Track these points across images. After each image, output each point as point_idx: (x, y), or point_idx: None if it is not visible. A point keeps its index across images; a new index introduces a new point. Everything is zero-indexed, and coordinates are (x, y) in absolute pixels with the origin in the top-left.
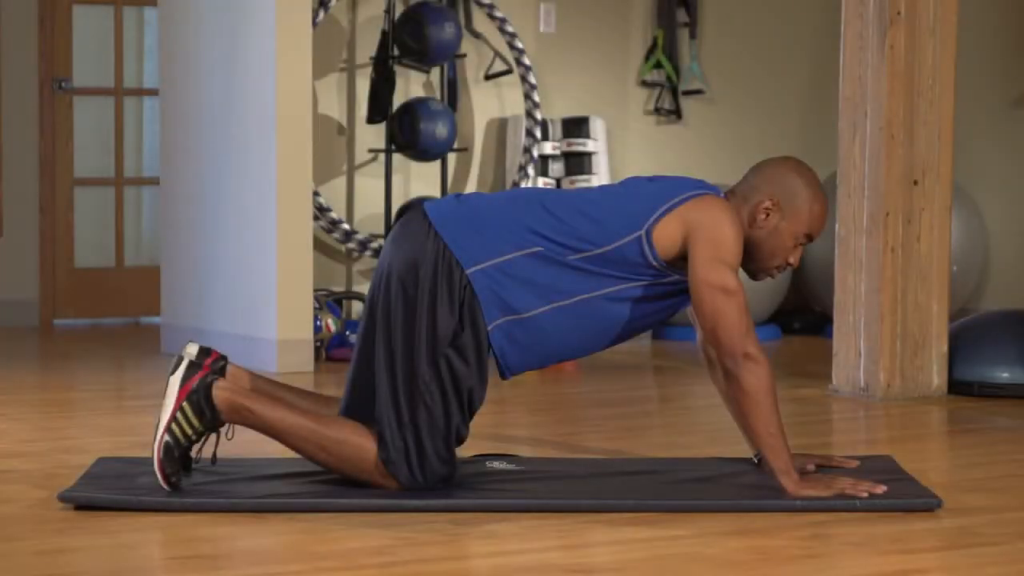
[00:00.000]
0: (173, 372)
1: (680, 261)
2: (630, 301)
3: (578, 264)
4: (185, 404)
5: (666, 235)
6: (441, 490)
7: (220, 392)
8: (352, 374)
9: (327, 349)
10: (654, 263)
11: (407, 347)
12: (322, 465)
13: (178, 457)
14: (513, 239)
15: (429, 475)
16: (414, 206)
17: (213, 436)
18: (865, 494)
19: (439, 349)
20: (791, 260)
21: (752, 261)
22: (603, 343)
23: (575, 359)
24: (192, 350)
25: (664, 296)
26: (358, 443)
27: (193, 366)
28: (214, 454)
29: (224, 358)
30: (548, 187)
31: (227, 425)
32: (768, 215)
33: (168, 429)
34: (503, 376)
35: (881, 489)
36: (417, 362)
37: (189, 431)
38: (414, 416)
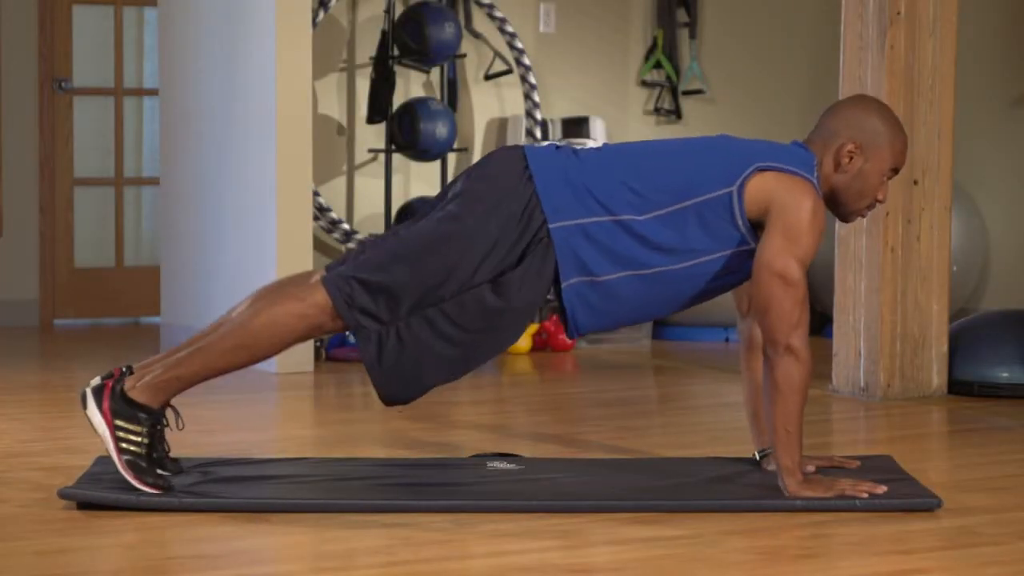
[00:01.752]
0: (85, 408)
1: (759, 229)
2: (705, 274)
3: (665, 225)
4: (116, 421)
5: (753, 197)
6: (440, 490)
7: (133, 390)
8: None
9: (327, 349)
10: (739, 222)
11: (449, 256)
12: (264, 356)
13: (148, 464)
14: (602, 200)
15: (387, 373)
16: (509, 148)
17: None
18: (865, 495)
19: (477, 281)
20: (879, 197)
21: (840, 205)
22: (673, 310)
23: (643, 322)
24: (93, 381)
25: (736, 270)
26: (281, 314)
27: (96, 390)
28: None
29: (129, 367)
30: (644, 141)
31: (169, 416)
32: (852, 158)
33: (120, 451)
34: (570, 335)
35: (881, 489)
36: (449, 280)
37: (138, 438)
38: (412, 311)
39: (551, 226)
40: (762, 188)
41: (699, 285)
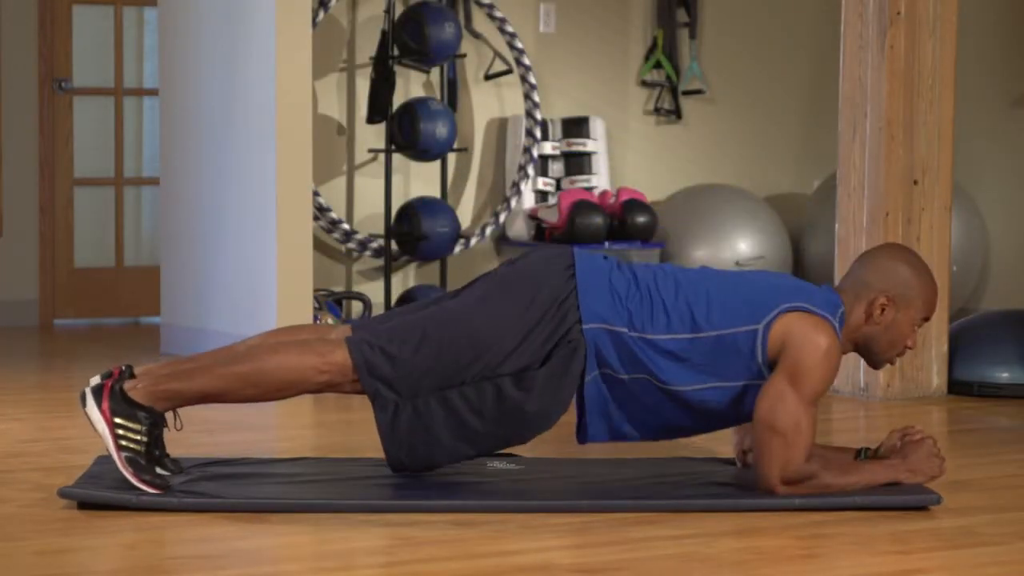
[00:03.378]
0: (84, 406)
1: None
2: (722, 399)
3: (683, 350)
4: (116, 419)
5: (776, 336)
6: (439, 489)
7: (134, 391)
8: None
9: None
10: (759, 359)
11: (478, 342)
12: (268, 399)
13: (147, 463)
14: (635, 315)
15: (399, 440)
16: (558, 247)
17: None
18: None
19: (501, 371)
20: (909, 344)
21: (872, 354)
22: (677, 434)
23: (649, 439)
24: (93, 380)
25: (747, 402)
26: (298, 364)
27: (96, 389)
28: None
29: (129, 367)
30: (683, 269)
31: (170, 415)
32: (884, 310)
33: (120, 448)
34: (580, 440)
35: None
36: (474, 365)
37: (138, 436)
38: (432, 392)
39: (584, 327)
40: (784, 328)
41: (710, 410)
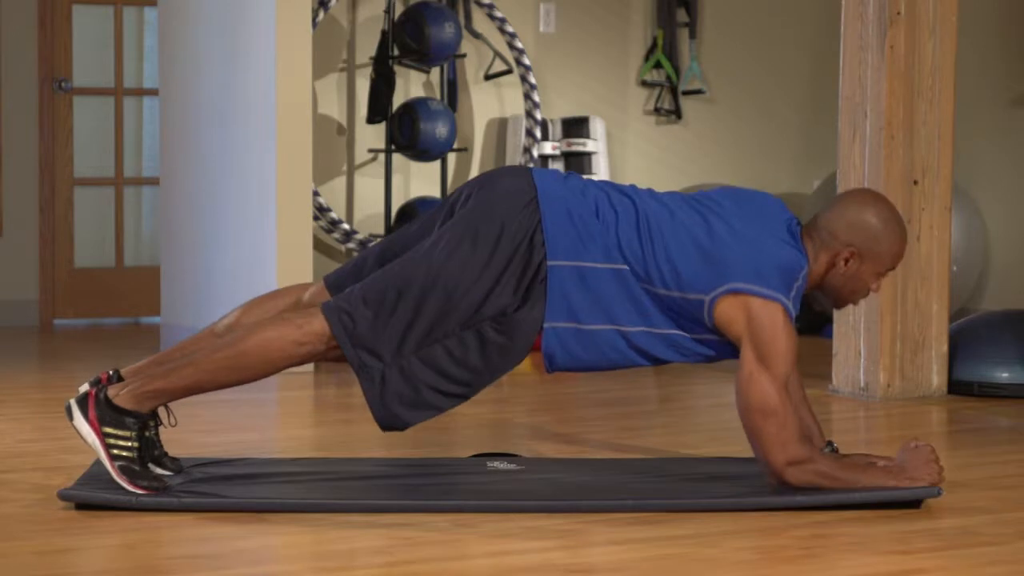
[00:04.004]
0: (72, 420)
1: (732, 338)
2: (681, 344)
3: (646, 297)
4: (104, 429)
5: (726, 314)
6: (440, 491)
7: (118, 397)
8: (380, 250)
9: None
10: (709, 326)
11: (452, 294)
12: (254, 378)
13: (141, 468)
14: (602, 249)
15: (389, 405)
16: (518, 170)
17: (159, 426)
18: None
19: (480, 318)
20: (873, 288)
21: (831, 300)
22: (646, 365)
23: (613, 370)
24: (81, 389)
25: (712, 351)
26: (276, 338)
27: (81, 400)
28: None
29: (116, 371)
30: (650, 192)
31: (161, 413)
32: (847, 263)
33: (112, 458)
34: (547, 370)
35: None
36: (452, 316)
37: (128, 443)
38: (415, 350)
39: (549, 263)
40: (730, 312)
41: (673, 351)
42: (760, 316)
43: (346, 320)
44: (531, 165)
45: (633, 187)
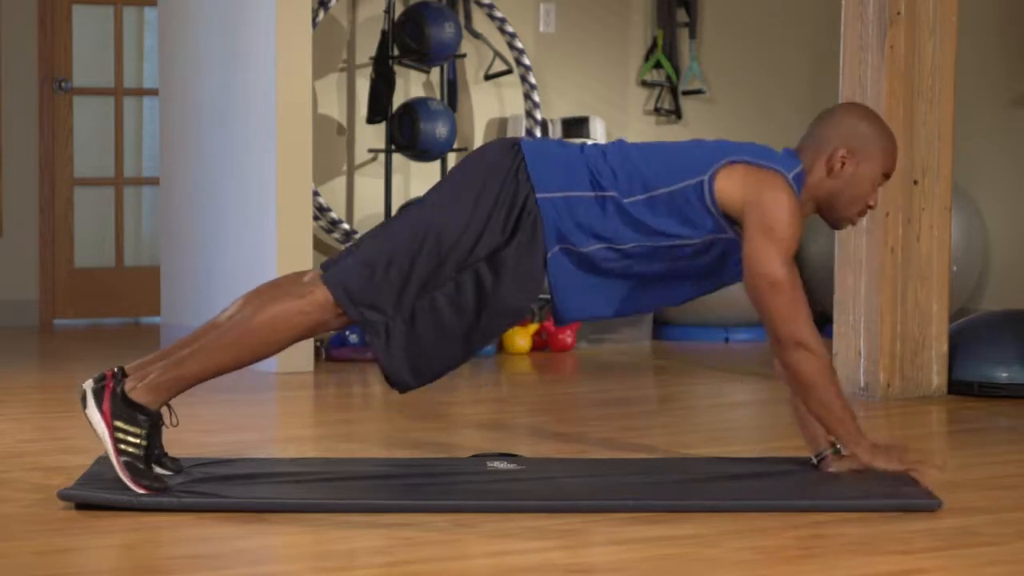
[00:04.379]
0: (84, 407)
1: (735, 224)
2: (681, 257)
3: (641, 209)
4: (116, 422)
5: (726, 189)
6: (440, 489)
7: (134, 391)
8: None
9: (327, 349)
10: (712, 209)
11: (444, 239)
12: (266, 355)
13: (145, 466)
14: (587, 179)
15: (395, 361)
16: (502, 138)
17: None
18: (934, 472)
19: (473, 259)
20: (871, 203)
21: (832, 210)
22: (655, 300)
23: (627, 314)
24: (88, 382)
25: (716, 264)
26: (282, 312)
27: (97, 390)
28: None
29: (120, 368)
30: (638, 142)
31: (166, 411)
32: (844, 164)
33: (119, 452)
34: (557, 321)
35: (938, 470)
36: (446, 261)
37: (136, 440)
38: (415, 299)
39: (538, 196)
40: (731, 180)
41: (677, 268)
42: (762, 183)
43: (346, 282)
44: None
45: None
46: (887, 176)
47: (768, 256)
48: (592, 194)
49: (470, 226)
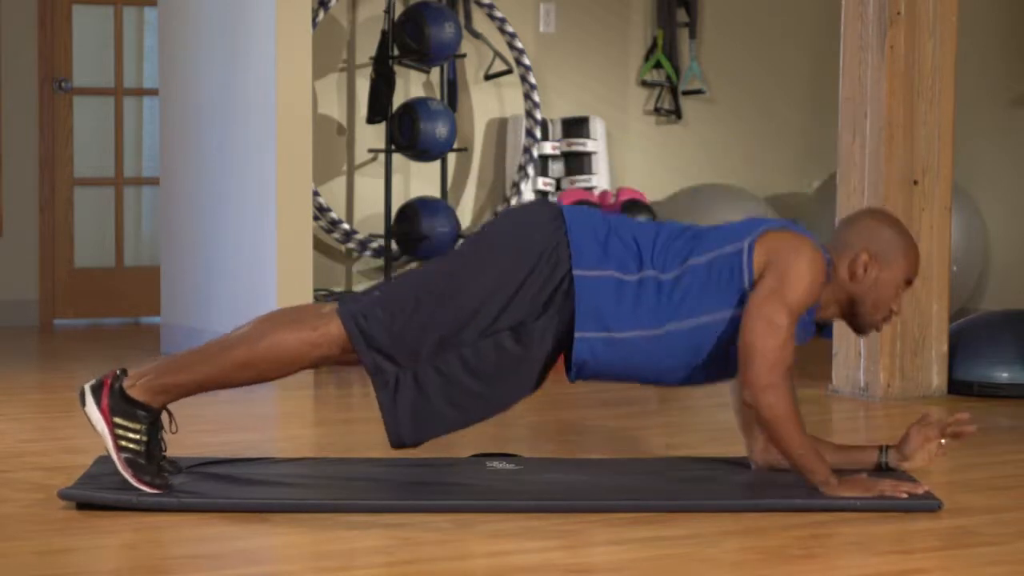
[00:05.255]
0: (83, 405)
1: None
2: (710, 337)
3: (676, 282)
4: (115, 419)
5: (760, 253)
6: (440, 490)
7: (133, 388)
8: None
9: None
10: (745, 278)
11: (471, 301)
12: (267, 379)
13: (146, 462)
14: (627, 258)
15: (400, 416)
16: (546, 200)
17: (163, 423)
18: (905, 495)
19: (498, 327)
20: (894, 308)
21: (857, 316)
22: (675, 381)
23: (645, 384)
24: (91, 381)
25: (732, 343)
26: (292, 339)
27: (95, 388)
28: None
29: (123, 370)
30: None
31: (166, 417)
32: (867, 269)
33: (119, 448)
34: (571, 379)
35: (921, 489)
36: (470, 324)
37: (136, 436)
38: (431, 357)
39: (575, 273)
40: (768, 244)
41: (703, 350)
42: (787, 242)
43: (362, 322)
44: (530, 167)
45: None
46: (909, 283)
47: (775, 304)
48: (631, 276)
49: (500, 293)
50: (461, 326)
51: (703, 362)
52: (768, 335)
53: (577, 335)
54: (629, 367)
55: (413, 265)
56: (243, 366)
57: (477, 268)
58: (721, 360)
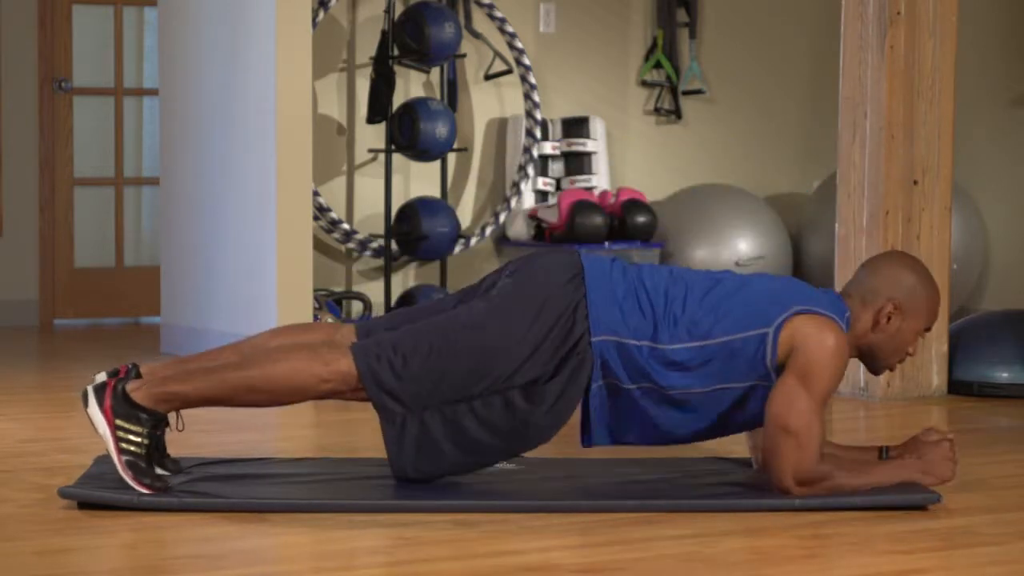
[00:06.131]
0: (86, 406)
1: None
2: (722, 402)
3: (690, 358)
4: (117, 421)
5: (785, 338)
6: (436, 487)
7: (136, 392)
8: (413, 311)
9: None
10: (768, 362)
11: (486, 356)
12: (274, 404)
13: (147, 465)
14: (644, 324)
15: (406, 451)
16: (565, 250)
17: (168, 426)
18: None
19: (510, 384)
20: (911, 351)
21: (875, 360)
22: (687, 438)
23: (652, 444)
24: (98, 377)
25: (755, 405)
26: (303, 371)
27: (98, 388)
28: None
29: (135, 365)
30: (698, 272)
31: (173, 416)
32: (891, 319)
33: (120, 451)
34: (584, 443)
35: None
36: (483, 378)
37: (138, 439)
38: (440, 406)
39: (593, 339)
40: (794, 330)
41: (713, 413)
42: (812, 332)
43: (373, 363)
44: (530, 168)
45: (672, 269)
46: (928, 329)
47: (794, 401)
48: (646, 343)
49: (517, 352)
50: (473, 379)
51: (712, 424)
52: (788, 440)
53: (593, 385)
54: (637, 421)
55: (413, 265)
56: (251, 390)
57: (495, 324)
58: (731, 421)
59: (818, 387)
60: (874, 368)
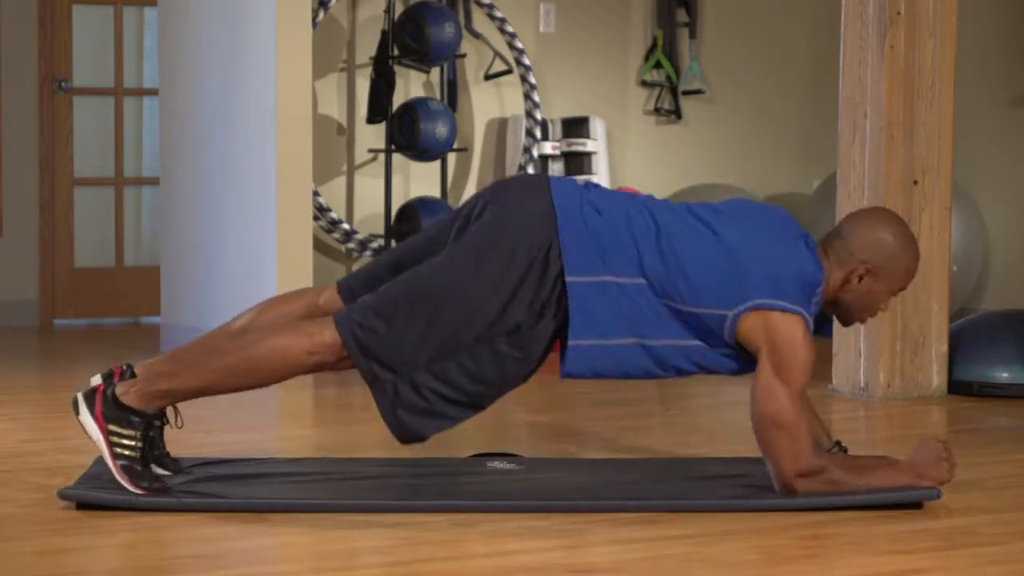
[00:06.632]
0: (78, 414)
1: (750, 351)
2: (706, 357)
3: (666, 311)
4: (110, 426)
5: (747, 333)
6: (436, 490)
7: (126, 395)
8: (393, 259)
9: None
10: (729, 341)
11: (465, 308)
12: (262, 385)
13: (143, 468)
14: (622, 265)
15: (401, 417)
16: (535, 180)
17: (165, 425)
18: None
19: (494, 333)
20: (883, 307)
21: (843, 314)
22: (664, 377)
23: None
24: (93, 380)
25: (729, 362)
26: (288, 347)
27: (88, 395)
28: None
29: (130, 366)
30: (663, 203)
31: (168, 414)
32: (861, 280)
33: (115, 456)
34: (561, 376)
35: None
36: (465, 330)
37: (132, 443)
38: (428, 364)
39: (568, 279)
40: (753, 329)
41: (696, 365)
42: (780, 328)
43: (357, 331)
44: (530, 167)
45: (650, 198)
46: (903, 288)
47: (777, 399)
48: (628, 281)
49: (494, 299)
50: (456, 332)
51: (697, 367)
52: (777, 432)
53: (570, 343)
54: (618, 370)
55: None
56: (238, 373)
57: (471, 274)
58: (718, 365)
59: (796, 380)
60: (843, 320)
